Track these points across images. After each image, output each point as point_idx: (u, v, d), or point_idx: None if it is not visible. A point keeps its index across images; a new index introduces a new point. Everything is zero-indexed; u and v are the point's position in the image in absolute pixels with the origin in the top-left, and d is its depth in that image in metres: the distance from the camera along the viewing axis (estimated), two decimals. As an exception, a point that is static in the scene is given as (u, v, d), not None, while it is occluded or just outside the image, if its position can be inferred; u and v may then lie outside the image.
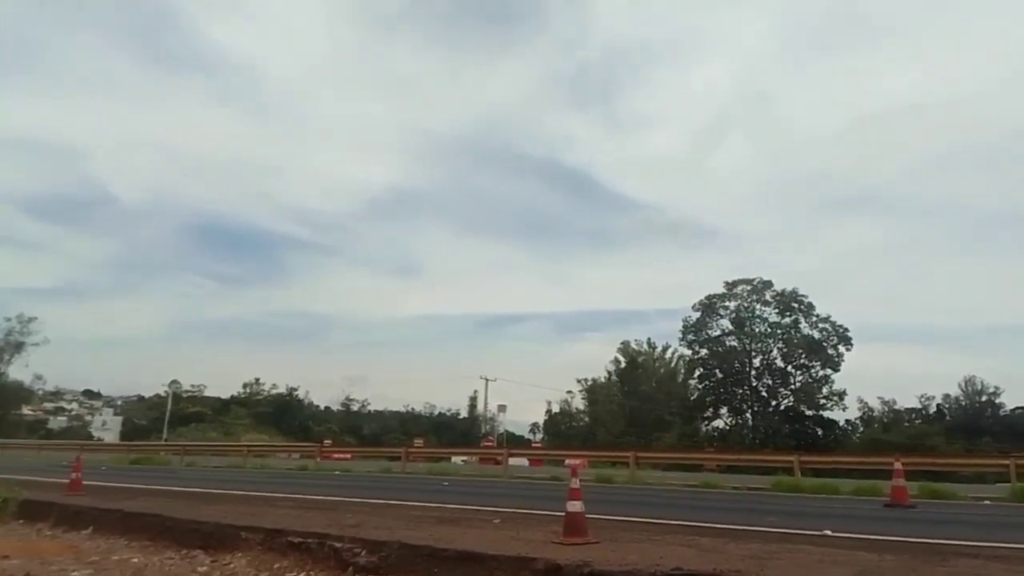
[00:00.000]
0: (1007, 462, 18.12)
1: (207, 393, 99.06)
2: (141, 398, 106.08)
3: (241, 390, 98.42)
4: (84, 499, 10.52)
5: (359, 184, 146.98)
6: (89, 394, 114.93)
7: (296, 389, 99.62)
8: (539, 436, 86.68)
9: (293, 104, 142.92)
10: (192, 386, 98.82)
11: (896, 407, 69.72)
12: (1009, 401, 70.68)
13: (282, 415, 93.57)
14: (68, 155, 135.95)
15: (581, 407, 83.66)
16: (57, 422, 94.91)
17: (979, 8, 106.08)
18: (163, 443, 51.53)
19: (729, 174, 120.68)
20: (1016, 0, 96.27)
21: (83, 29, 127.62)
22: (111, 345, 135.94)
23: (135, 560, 6.85)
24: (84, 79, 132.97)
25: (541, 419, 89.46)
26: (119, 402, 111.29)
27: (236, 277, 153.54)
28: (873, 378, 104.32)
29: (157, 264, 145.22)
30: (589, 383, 79.71)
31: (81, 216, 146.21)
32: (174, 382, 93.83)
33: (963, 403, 71.97)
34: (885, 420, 67.50)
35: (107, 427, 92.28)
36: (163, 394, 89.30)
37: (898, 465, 13.47)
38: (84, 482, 12.23)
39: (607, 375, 77.84)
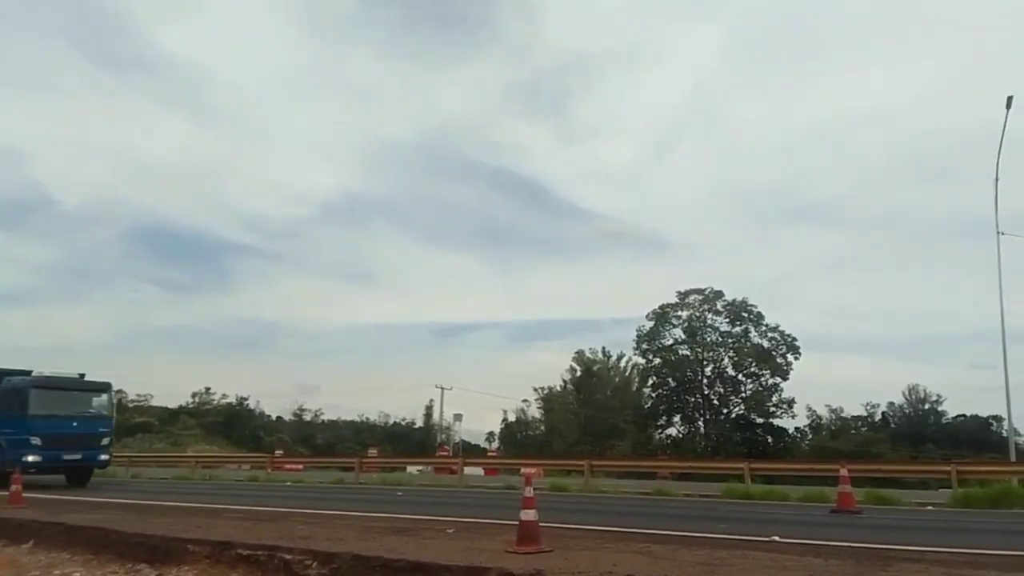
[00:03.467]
0: (949, 468, 18.67)
1: (154, 403, 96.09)
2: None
3: (190, 399, 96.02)
4: (25, 512, 10.21)
5: (311, 191, 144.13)
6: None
7: (247, 398, 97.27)
8: (495, 445, 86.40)
9: (244, 109, 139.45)
10: (138, 395, 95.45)
11: (843, 415, 71.35)
12: (951, 409, 72.99)
13: (232, 425, 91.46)
14: (7, 157, 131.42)
15: (537, 416, 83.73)
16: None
17: (926, 23, 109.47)
18: (108, 454, 50.03)
19: (681, 184, 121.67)
20: (960, 15, 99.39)
21: (24, 28, 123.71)
22: (54, 353, 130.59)
23: (77, 574, 6.68)
24: (24, 79, 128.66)
25: (497, 428, 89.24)
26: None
27: (184, 284, 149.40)
28: (821, 386, 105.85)
29: (102, 270, 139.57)
30: (545, 392, 79.81)
31: (22, 220, 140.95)
32: (119, 391, 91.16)
33: (907, 411, 74.11)
34: (833, 427, 68.94)
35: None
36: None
37: (844, 472, 13.75)
38: (25, 494, 11.85)
39: (562, 384, 77.93)
